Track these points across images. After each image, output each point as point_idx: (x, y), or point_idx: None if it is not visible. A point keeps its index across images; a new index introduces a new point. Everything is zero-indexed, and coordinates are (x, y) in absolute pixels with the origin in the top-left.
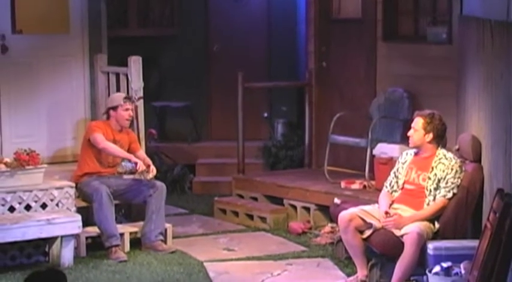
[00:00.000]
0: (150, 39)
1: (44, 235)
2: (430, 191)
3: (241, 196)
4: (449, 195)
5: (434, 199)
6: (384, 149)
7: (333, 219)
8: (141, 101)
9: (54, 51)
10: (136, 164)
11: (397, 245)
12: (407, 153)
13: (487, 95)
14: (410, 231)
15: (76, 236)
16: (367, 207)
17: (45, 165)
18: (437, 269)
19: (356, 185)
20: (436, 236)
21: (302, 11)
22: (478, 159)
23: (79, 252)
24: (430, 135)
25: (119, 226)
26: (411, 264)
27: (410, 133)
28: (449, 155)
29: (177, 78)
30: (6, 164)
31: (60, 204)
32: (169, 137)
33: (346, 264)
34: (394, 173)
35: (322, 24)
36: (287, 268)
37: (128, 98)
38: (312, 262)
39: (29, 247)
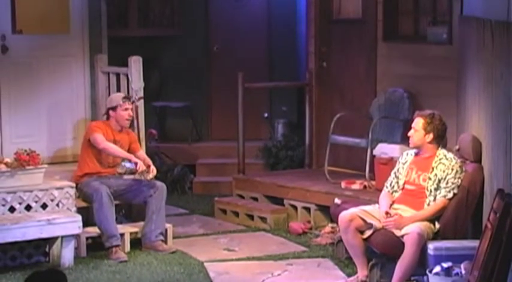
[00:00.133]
0: (150, 40)
1: (44, 235)
2: (431, 191)
3: (241, 196)
4: (450, 195)
5: (434, 199)
6: (384, 149)
7: (334, 219)
8: (142, 101)
9: (54, 51)
10: (136, 164)
11: (398, 245)
12: (407, 154)
13: (487, 95)
14: (410, 231)
15: (76, 236)
16: (367, 208)
17: (46, 166)
18: (437, 269)
19: (356, 185)
20: (436, 236)
21: (302, 11)
22: (478, 160)
23: (79, 252)
24: (431, 136)
25: (119, 226)
26: (412, 264)
27: (410, 133)
28: (450, 155)
29: (178, 79)
30: (6, 164)
31: (60, 205)
32: (169, 137)
33: (346, 264)
34: (395, 173)
35: (322, 25)
36: (287, 268)
37: (127, 97)
38: (312, 262)
39: (29, 247)
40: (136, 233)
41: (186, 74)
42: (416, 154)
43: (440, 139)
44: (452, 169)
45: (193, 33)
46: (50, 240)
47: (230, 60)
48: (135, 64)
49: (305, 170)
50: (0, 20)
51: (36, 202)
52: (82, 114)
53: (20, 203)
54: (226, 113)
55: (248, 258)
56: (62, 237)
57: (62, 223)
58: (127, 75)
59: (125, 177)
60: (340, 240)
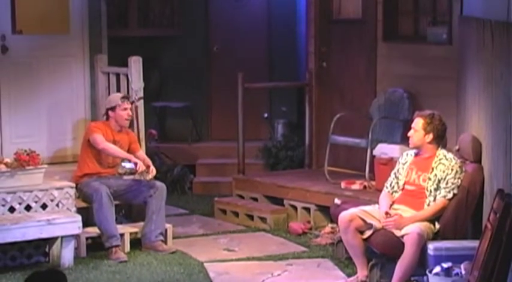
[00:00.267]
0: (150, 40)
1: (44, 235)
2: (431, 191)
3: (241, 196)
4: (450, 195)
5: (434, 200)
6: (384, 150)
7: (333, 219)
8: (141, 101)
9: (54, 51)
10: (136, 164)
11: (398, 245)
12: (407, 154)
13: (487, 95)
14: (410, 231)
15: (76, 237)
16: (367, 208)
17: (45, 166)
18: (437, 269)
19: (356, 186)
20: (436, 236)
21: (302, 11)
22: (478, 160)
23: (79, 252)
24: (430, 136)
25: (119, 226)
26: (411, 264)
27: (410, 133)
28: (450, 155)
29: (178, 79)
30: (6, 164)
31: (60, 205)
32: (169, 137)
33: (346, 264)
34: (395, 173)
35: (322, 25)
36: (287, 268)
37: (126, 97)
38: (312, 262)
39: (29, 247)
40: (136, 233)
41: (186, 74)
42: (416, 154)
43: (440, 139)
44: (452, 169)
45: (193, 33)
46: (50, 241)
47: (230, 60)
48: (135, 64)
49: (305, 170)
50: (0, 20)
51: (36, 202)
52: (82, 114)
53: (19, 203)
54: (226, 113)
55: (248, 259)
56: (62, 237)
57: (62, 223)
58: (127, 76)
59: (125, 177)
60: (340, 241)
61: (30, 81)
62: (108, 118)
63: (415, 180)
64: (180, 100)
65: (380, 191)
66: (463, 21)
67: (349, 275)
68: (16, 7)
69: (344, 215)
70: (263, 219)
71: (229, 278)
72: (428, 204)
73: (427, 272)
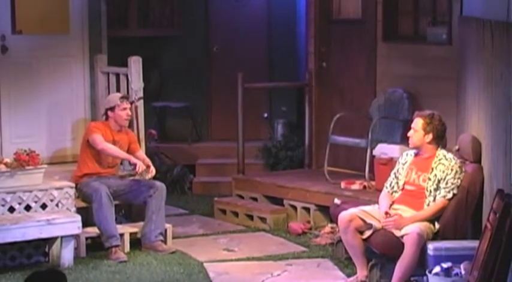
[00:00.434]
0: (150, 40)
1: (43, 235)
2: (430, 191)
3: (241, 196)
4: (449, 195)
5: (434, 200)
6: (384, 150)
7: (333, 219)
8: (141, 101)
9: (54, 51)
10: (135, 165)
11: (397, 245)
12: (407, 154)
13: (487, 96)
14: (410, 231)
15: (76, 237)
16: (367, 208)
17: (45, 166)
18: (437, 269)
19: (356, 186)
20: (436, 236)
21: (302, 11)
22: (478, 160)
23: (79, 252)
24: (430, 136)
25: (118, 226)
26: (411, 264)
27: (410, 134)
28: (449, 155)
29: (177, 79)
30: (6, 164)
31: (60, 205)
32: (169, 137)
33: (346, 264)
34: (394, 173)
35: (322, 25)
36: (287, 268)
37: (125, 97)
38: (312, 262)
39: (29, 247)
40: (136, 233)
41: (186, 74)
42: (416, 154)
43: (440, 139)
44: (451, 169)
45: (193, 33)
46: (50, 241)
47: (230, 60)
48: (135, 64)
49: (305, 170)
50: (0, 20)
51: (35, 202)
52: (82, 114)
53: (19, 203)
54: (226, 113)
55: (248, 259)
56: (62, 237)
57: (62, 223)
58: (127, 76)
59: (121, 172)
60: (340, 241)
61: (30, 81)
62: (107, 118)
63: (414, 180)
64: (180, 100)
65: (380, 191)
66: (463, 21)
67: (348, 275)
68: (16, 7)
69: (344, 215)
70: (263, 219)
71: (229, 278)
72: (428, 205)
73: (426, 272)
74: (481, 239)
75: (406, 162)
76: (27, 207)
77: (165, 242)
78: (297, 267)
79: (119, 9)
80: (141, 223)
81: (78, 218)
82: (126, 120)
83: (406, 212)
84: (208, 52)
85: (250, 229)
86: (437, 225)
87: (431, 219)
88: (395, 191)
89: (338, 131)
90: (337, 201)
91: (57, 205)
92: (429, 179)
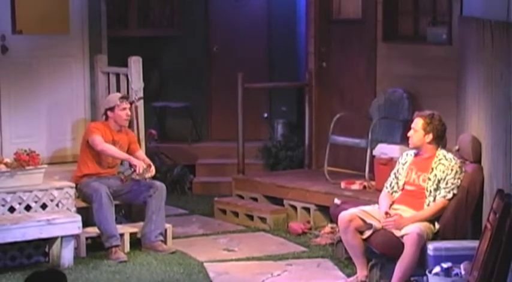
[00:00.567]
0: (150, 40)
1: (44, 235)
2: (430, 191)
3: (241, 196)
4: (449, 195)
5: (434, 200)
6: (384, 150)
7: (333, 219)
8: (141, 101)
9: (54, 51)
10: (135, 166)
11: (397, 245)
12: (407, 154)
13: (487, 96)
14: (410, 231)
15: (76, 237)
16: (367, 208)
17: (45, 166)
18: (437, 269)
19: (356, 186)
20: (436, 236)
21: (302, 11)
22: (478, 160)
23: (79, 252)
24: (430, 136)
25: (118, 226)
26: (411, 264)
27: (410, 134)
28: (449, 155)
29: (177, 79)
30: (6, 164)
31: (60, 205)
32: (169, 137)
33: (346, 264)
34: (394, 173)
35: (322, 25)
36: (287, 268)
37: (124, 97)
38: (312, 262)
39: (29, 247)
40: (135, 233)
41: (186, 74)
42: (416, 154)
43: (440, 139)
44: (451, 169)
45: (193, 33)
46: (50, 241)
47: (230, 60)
48: (135, 64)
49: (305, 170)
50: (0, 20)
51: (36, 202)
52: (82, 114)
53: (19, 203)
54: (226, 113)
55: (248, 259)
56: (62, 237)
57: (62, 223)
58: (127, 76)
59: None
60: (340, 241)
61: (30, 81)
62: (107, 118)
63: (414, 180)
64: (180, 100)
65: (380, 191)
66: (462, 21)
67: (348, 275)
68: (16, 7)
69: (344, 215)
70: (263, 219)
71: (229, 278)
72: (428, 205)
73: (426, 272)
74: (481, 239)
75: (406, 162)
76: (28, 207)
77: (165, 242)
78: (297, 267)
79: (119, 9)
80: (141, 223)
81: (78, 218)
82: (126, 120)
83: (406, 212)
84: (208, 52)
85: (250, 229)
86: (437, 225)
87: (431, 219)
88: (395, 191)
89: (338, 131)
90: (337, 201)
91: (57, 205)
92: (429, 179)
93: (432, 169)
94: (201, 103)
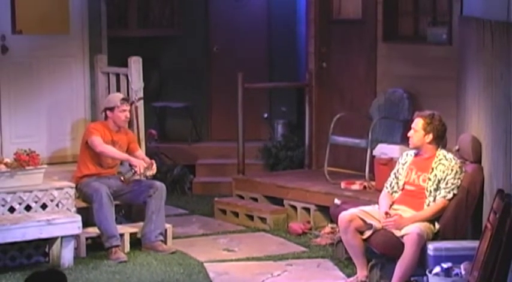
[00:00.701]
0: (150, 40)
1: (44, 236)
2: (430, 191)
3: (241, 197)
4: (450, 196)
5: (434, 200)
6: (384, 150)
7: (333, 219)
8: (141, 101)
9: (54, 51)
10: (135, 166)
11: (397, 245)
12: (407, 154)
13: (487, 96)
14: (410, 231)
15: (76, 237)
16: (367, 208)
17: (45, 166)
18: (437, 269)
19: (356, 186)
20: (436, 236)
21: (302, 11)
22: (478, 160)
23: (79, 252)
24: (430, 136)
25: (118, 227)
26: (411, 264)
27: (410, 134)
28: (450, 155)
29: (177, 79)
30: (6, 164)
31: (60, 205)
32: (169, 137)
33: (346, 264)
34: (394, 173)
35: (322, 25)
36: (287, 269)
37: (126, 99)
38: (312, 263)
39: (29, 247)
40: (136, 233)
41: (186, 74)
42: (416, 155)
43: (440, 140)
44: (452, 170)
45: (193, 33)
46: (50, 241)
47: (230, 60)
48: (135, 64)
49: (305, 170)
50: (0, 20)
51: (36, 202)
52: (82, 114)
53: (19, 203)
54: (226, 113)
55: (248, 259)
56: (62, 237)
57: (62, 223)
58: (127, 76)
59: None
60: (340, 241)
61: (30, 81)
62: (106, 117)
63: (414, 180)
64: (180, 100)
65: (380, 191)
66: (463, 21)
67: (348, 275)
68: (16, 7)
69: (344, 215)
70: (263, 220)
71: (229, 278)
72: (428, 205)
73: (426, 272)
74: (481, 239)
75: (406, 163)
76: (28, 208)
77: (165, 242)
78: (297, 267)
79: (119, 10)
80: (141, 223)
81: (78, 218)
82: (124, 122)
83: (406, 212)
84: (208, 52)
85: (250, 229)
86: (437, 226)
87: (432, 220)
88: (395, 191)
89: (338, 131)
90: (337, 201)
91: (57, 205)
92: (429, 179)
93: (432, 169)
94: (201, 103)
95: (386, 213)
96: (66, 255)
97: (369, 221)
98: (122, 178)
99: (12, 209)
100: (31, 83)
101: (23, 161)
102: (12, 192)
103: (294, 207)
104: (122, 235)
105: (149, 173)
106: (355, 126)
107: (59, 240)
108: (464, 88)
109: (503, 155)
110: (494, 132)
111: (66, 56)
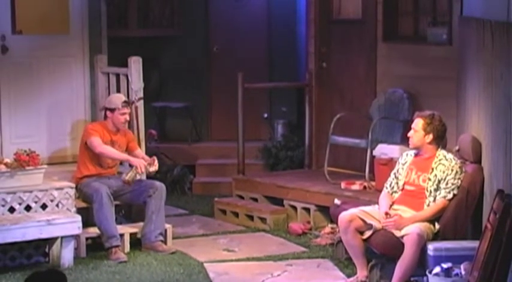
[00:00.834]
0: (150, 40)
1: (44, 236)
2: (430, 192)
3: (241, 197)
4: (450, 196)
5: (434, 200)
6: (384, 150)
7: (333, 220)
8: (141, 101)
9: (54, 51)
10: (136, 166)
11: (397, 245)
12: (407, 154)
13: (487, 96)
14: (410, 232)
15: (76, 237)
16: (367, 208)
17: (45, 166)
18: (437, 269)
19: (356, 186)
20: (436, 236)
21: (302, 11)
22: (478, 160)
23: (79, 252)
24: (430, 136)
25: (118, 227)
26: (411, 265)
27: (410, 134)
28: (450, 156)
29: (177, 79)
30: (6, 164)
31: (60, 205)
32: (169, 137)
33: (346, 265)
34: (394, 174)
35: (322, 25)
36: (287, 269)
37: (127, 102)
38: (312, 263)
39: (29, 248)
40: (136, 233)
41: (186, 74)
42: (416, 155)
43: (440, 140)
44: (452, 170)
45: (193, 33)
46: (50, 241)
47: (230, 60)
48: (135, 64)
49: (305, 170)
50: (0, 20)
51: (36, 202)
52: (82, 114)
53: (19, 204)
54: (226, 113)
55: (248, 259)
56: (62, 237)
57: (62, 223)
58: (127, 76)
59: (125, 177)
60: (340, 241)
61: (30, 81)
62: (105, 117)
63: (414, 180)
64: (180, 100)
65: (380, 191)
66: (463, 21)
67: (349, 276)
68: (16, 7)
69: (344, 216)
70: (263, 220)
71: (229, 278)
72: (428, 205)
73: (426, 272)
74: (481, 239)
75: (406, 163)
76: (28, 208)
77: (165, 242)
78: (297, 267)
79: (119, 10)
80: (141, 223)
81: (78, 218)
82: (123, 124)
83: (406, 212)
84: (208, 52)
85: (250, 229)
86: (437, 226)
87: (432, 220)
88: (395, 191)
89: (338, 131)
90: (337, 201)
91: (57, 205)
92: (429, 179)
93: (432, 169)
94: (201, 103)
95: (386, 214)
96: (66, 255)
97: (369, 221)
98: (125, 180)
99: (12, 209)
100: (31, 83)
101: (23, 161)
102: (12, 192)
103: (294, 208)
104: (122, 235)
105: (152, 169)
106: (355, 126)
107: (59, 240)
108: (464, 88)
109: (503, 155)
110: (494, 133)
111: (66, 56)
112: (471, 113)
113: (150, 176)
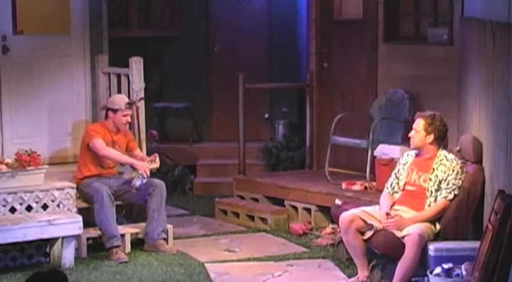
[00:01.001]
0: (151, 40)
1: (44, 236)
2: (431, 192)
3: (242, 197)
4: (451, 196)
5: (435, 200)
6: (385, 150)
7: (334, 220)
8: (142, 101)
9: (55, 52)
10: (140, 170)
11: (398, 246)
12: (408, 155)
13: (488, 96)
14: (411, 232)
15: (77, 237)
16: (368, 208)
17: (46, 166)
18: (438, 270)
19: (357, 186)
20: (437, 237)
21: (303, 11)
22: (479, 161)
23: (80, 253)
24: (431, 137)
25: (119, 227)
26: (412, 265)
27: (411, 134)
28: (450, 156)
29: (178, 79)
30: (7, 164)
31: (61, 205)
32: (170, 137)
33: (347, 265)
34: (395, 174)
35: (323, 25)
36: (288, 269)
37: (130, 104)
38: (312, 263)
39: (30, 248)
40: (137, 233)
41: (187, 74)
42: (417, 155)
43: (441, 140)
44: (453, 170)
45: (194, 33)
46: (51, 241)
47: (231, 60)
48: (136, 65)
49: (306, 170)
50: (1, 20)
51: (36, 203)
52: (83, 114)
53: (20, 204)
54: (227, 113)
55: (248, 259)
56: (63, 237)
57: (63, 224)
58: (128, 76)
59: (125, 176)
60: (341, 241)
61: (31, 81)
62: (106, 117)
63: (415, 180)
64: (180, 100)
65: (381, 191)
66: (464, 22)
67: (349, 276)
68: (17, 8)
69: (345, 216)
70: (264, 220)
71: (229, 278)
72: (429, 205)
73: (427, 272)
74: (482, 239)
75: (406, 163)
76: (28, 208)
77: (166, 242)
78: (298, 267)
79: (120, 10)
80: (142, 224)
81: (79, 218)
82: (125, 125)
83: (406, 212)
84: (209, 52)
85: (251, 230)
86: (438, 226)
87: (432, 220)
88: (396, 192)
89: (339, 131)
90: (338, 201)
91: (58, 205)
92: (430, 179)
93: (433, 169)
94: (202, 103)
95: (387, 214)
96: (67, 255)
97: (369, 221)
98: (135, 188)
99: (13, 210)
100: (32, 83)
101: (24, 162)
102: (13, 192)
103: (295, 208)
104: (122, 235)
105: (153, 166)
106: (356, 126)
107: (59, 240)
108: (465, 89)
109: (504, 155)
110: (495, 133)
111: (67, 56)
112: (472, 113)
113: (150, 175)
